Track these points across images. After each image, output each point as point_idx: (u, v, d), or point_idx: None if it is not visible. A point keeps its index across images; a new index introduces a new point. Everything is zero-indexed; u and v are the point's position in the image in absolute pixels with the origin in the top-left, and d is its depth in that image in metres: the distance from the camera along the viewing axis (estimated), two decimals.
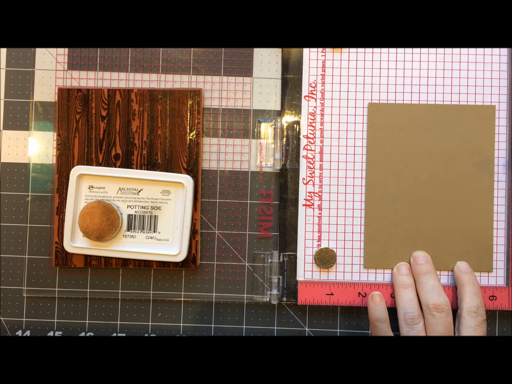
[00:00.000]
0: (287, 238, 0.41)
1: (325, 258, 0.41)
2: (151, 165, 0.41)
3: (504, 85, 0.41)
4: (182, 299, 0.42)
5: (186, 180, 0.40)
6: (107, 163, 0.41)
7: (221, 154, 0.42)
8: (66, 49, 0.42)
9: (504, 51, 0.41)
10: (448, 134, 0.41)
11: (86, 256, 0.41)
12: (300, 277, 0.41)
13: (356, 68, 0.41)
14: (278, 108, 0.42)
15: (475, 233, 0.41)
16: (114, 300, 0.42)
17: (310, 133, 0.41)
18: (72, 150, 0.41)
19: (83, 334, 0.42)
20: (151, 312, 0.42)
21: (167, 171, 0.41)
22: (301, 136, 0.41)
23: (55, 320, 0.42)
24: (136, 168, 0.41)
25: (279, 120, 0.41)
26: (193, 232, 0.41)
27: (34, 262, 0.42)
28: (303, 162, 0.41)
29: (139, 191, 0.41)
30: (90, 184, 0.41)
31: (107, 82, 0.42)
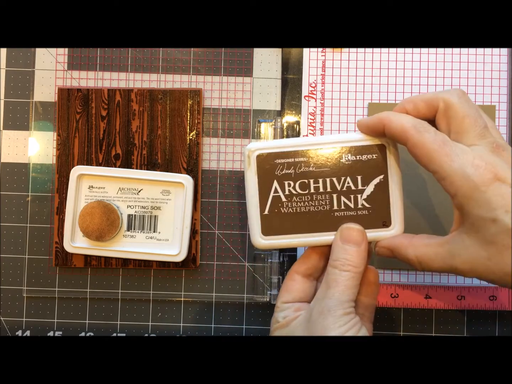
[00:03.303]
0: None
1: None
2: (151, 165, 0.41)
3: (504, 85, 0.41)
4: (182, 299, 0.42)
5: (186, 180, 0.40)
6: (107, 163, 0.41)
7: (221, 154, 0.42)
8: (66, 49, 0.42)
9: (504, 51, 0.41)
10: None
11: (86, 256, 0.41)
12: None
13: (356, 68, 0.41)
14: (278, 108, 0.42)
15: None
16: (114, 300, 0.42)
17: (310, 133, 0.41)
18: (72, 150, 0.41)
19: (83, 334, 0.42)
20: (151, 312, 0.42)
21: (167, 171, 0.41)
22: (301, 136, 0.41)
23: (55, 320, 0.42)
24: (136, 168, 0.41)
25: (279, 120, 0.41)
26: (193, 232, 0.41)
27: (34, 262, 0.42)
28: None
29: (139, 191, 0.41)
30: (90, 184, 0.41)
31: (107, 82, 0.42)
